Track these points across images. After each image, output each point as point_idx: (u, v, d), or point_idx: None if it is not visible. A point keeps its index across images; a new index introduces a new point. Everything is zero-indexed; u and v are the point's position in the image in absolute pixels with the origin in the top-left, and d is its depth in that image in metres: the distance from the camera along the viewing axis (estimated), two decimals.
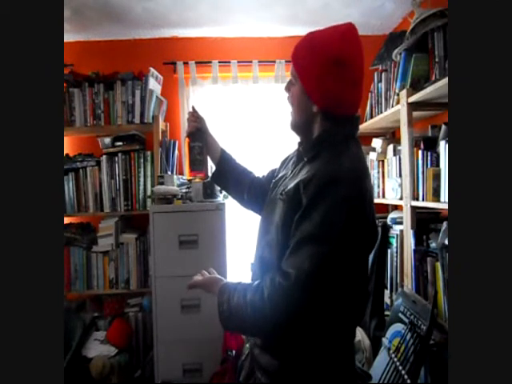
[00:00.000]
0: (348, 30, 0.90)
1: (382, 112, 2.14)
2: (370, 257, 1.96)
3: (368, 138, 2.41)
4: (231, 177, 1.25)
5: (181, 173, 2.48)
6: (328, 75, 0.88)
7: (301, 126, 0.97)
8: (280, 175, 1.05)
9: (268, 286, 0.83)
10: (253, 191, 1.22)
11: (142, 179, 2.34)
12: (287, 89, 1.00)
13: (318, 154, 0.91)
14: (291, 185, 0.89)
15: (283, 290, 0.80)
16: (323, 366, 0.89)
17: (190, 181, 2.24)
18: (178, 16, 2.33)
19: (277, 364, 0.91)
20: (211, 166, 1.29)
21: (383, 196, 2.18)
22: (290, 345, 0.89)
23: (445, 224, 1.53)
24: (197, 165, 1.22)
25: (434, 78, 1.61)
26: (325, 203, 0.80)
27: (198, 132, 1.23)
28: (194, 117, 1.24)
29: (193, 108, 1.28)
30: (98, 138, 2.40)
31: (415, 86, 1.70)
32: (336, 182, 0.82)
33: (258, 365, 0.96)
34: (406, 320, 1.52)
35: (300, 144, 1.01)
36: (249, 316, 0.84)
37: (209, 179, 1.29)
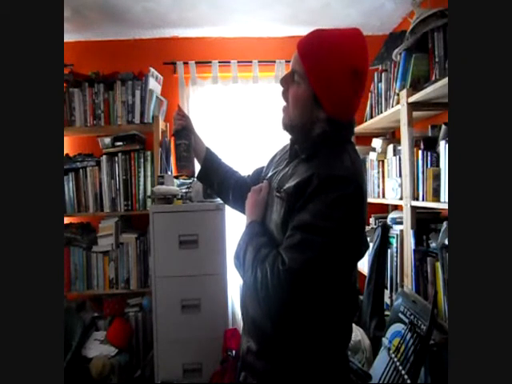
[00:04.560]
0: (361, 37, 0.89)
1: (381, 112, 2.13)
2: (370, 257, 1.98)
3: (368, 138, 2.41)
4: (216, 175, 1.25)
5: None
6: (346, 84, 0.87)
7: (299, 127, 0.94)
8: (271, 173, 1.03)
9: (270, 271, 0.81)
10: (238, 190, 1.21)
11: (142, 179, 2.34)
12: (285, 83, 0.94)
13: (316, 153, 0.89)
14: (291, 183, 0.88)
15: (279, 274, 0.79)
16: (317, 369, 0.89)
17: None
18: (178, 16, 2.33)
19: (273, 368, 0.90)
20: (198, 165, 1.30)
21: (383, 196, 2.18)
22: (285, 348, 0.89)
23: (445, 224, 1.53)
24: (183, 161, 1.24)
25: (433, 78, 1.61)
26: (323, 197, 0.80)
27: (184, 130, 1.25)
28: (180, 115, 1.26)
29: (178, 107, 1.31)
30: (98, 137, 2.40)
31: (415, 86, 1.70)
32: (337, 180, 0.82)
33: (251, 371, 0.95)
34: (406, 320, 1.52)
35: (294, 141, 0.98)
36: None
37: (195, 177, 1.30)
